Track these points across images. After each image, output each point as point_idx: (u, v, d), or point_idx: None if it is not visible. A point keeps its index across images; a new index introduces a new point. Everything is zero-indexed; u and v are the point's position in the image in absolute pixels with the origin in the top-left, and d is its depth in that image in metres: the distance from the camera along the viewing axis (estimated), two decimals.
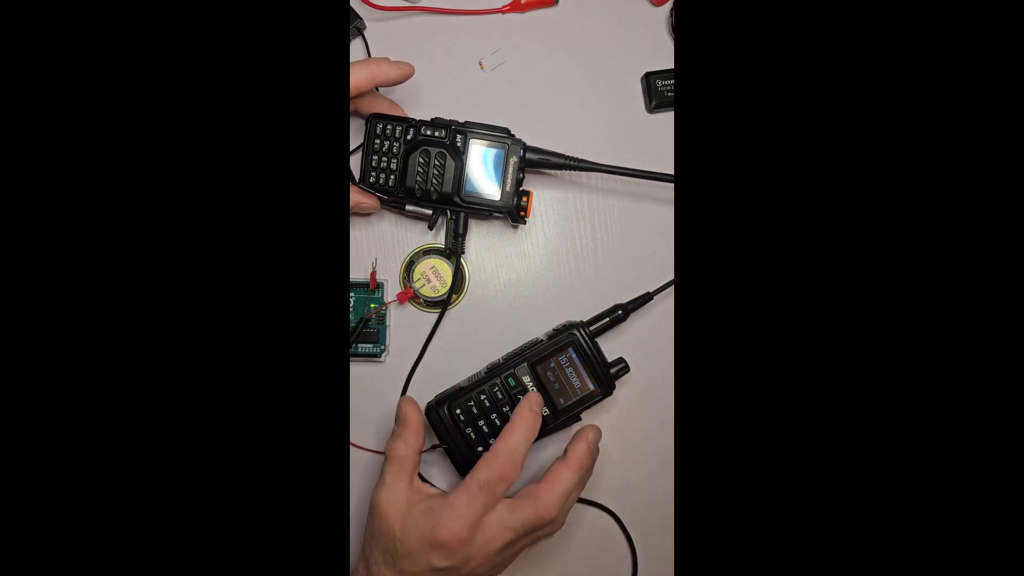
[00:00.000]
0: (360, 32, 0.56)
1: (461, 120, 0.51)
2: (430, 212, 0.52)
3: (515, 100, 0.56)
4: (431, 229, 0.53)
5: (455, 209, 0.52)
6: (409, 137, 0.51)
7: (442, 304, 0.54)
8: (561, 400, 0.50)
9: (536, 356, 0.50)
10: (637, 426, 0.55)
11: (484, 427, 0.49)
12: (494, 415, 0.49)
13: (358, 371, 0.55)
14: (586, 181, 0.56)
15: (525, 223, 0.54)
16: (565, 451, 0.48)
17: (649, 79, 0.55)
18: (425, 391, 0.52)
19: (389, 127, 0.51)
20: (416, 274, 0.54)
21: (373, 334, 0.54)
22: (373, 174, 0.51)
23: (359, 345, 0.54)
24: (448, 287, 0.54)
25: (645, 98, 0.56)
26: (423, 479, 0.49)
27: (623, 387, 0.53)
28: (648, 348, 0.55)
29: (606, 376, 0.50)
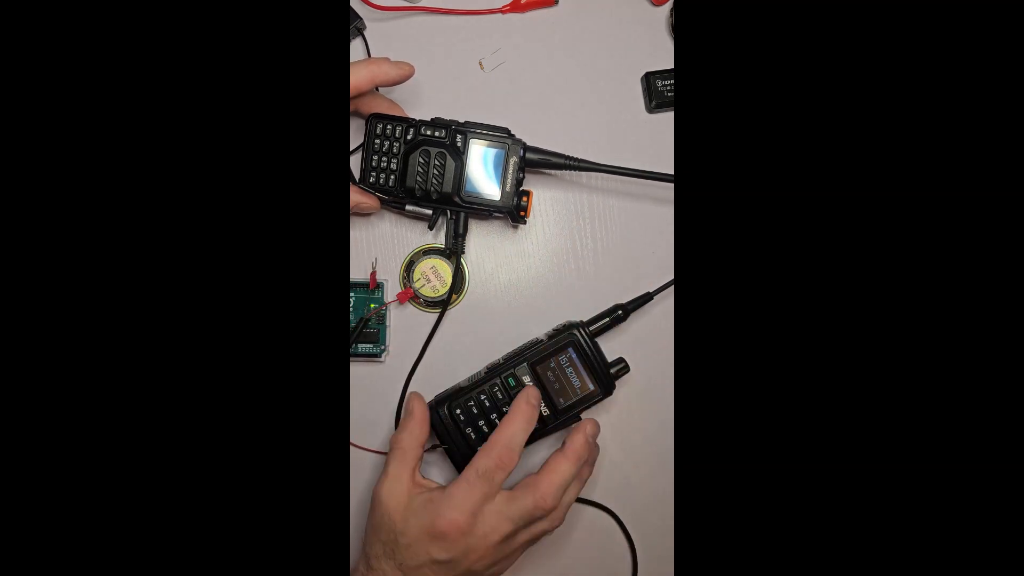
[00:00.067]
0: (360, 32, 0.56)
1: (461, 120, 0.51)
2: (430, 212, 0.52)
3: (515, 100, 0.56)
4: (431, 229, 0.53)
5: (455, 209, 0.52)
6: (409, 137, 0.51)
7: (442, 304, 0.54)
8: (561, 400, 0.50)
9: (536, 356, 0.50)
10: (637, 426, 0.55)
11: (484, 427, 0.49)
12: (494, 415, 0.49)
13: (358, 371, 0.55)
14: (586, 181, 0.56)
15: (525, 223, 0.54)
16: (563, 443, 0.48)
17: (649, 79, 0.55)
18: (425, 391, 0.52)
19: (389, 127, 0.51)
20: (416, 274, 0.54)
21: (373, 334, 0.54)
22: (373, 174, 0.51)
23: (359, 345, 0.54)
24: (448, 287, 0.54)
25: (645, 98, 0.56)
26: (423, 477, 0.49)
27: (623, 387, 0.53)
28: (648, 348, 0.55)
29: (606, 376, 0.50)
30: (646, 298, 0.53)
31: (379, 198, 0.51)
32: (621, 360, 0.51)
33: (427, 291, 0.54)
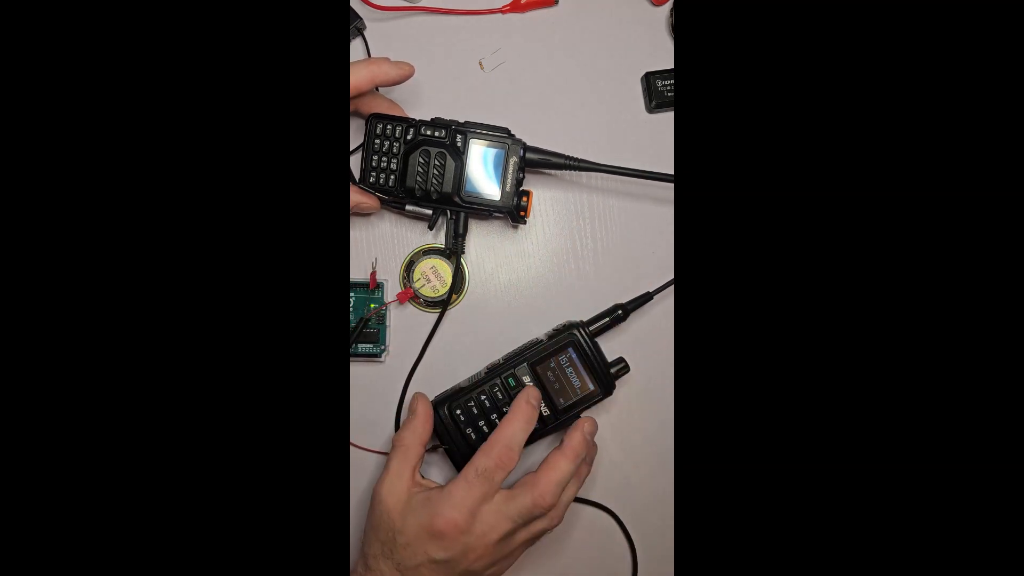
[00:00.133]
0: (360, 32, 0.56)
1: (461, 120, 0.51)
2: (430, 212, 0.52)
3: (515, 100, 0.56)
4: (431, 229, 0.53)
5: (455, 209, 0.52)
6: (409, 137, 0.51)
7: (442, 304, 0.54)
8: (561, 400, 0.50)
9: (536, 356, 0.50)
10: (637, 426, 0.55)
11: (484, 427, 0.49)
12: (494, 415, 0.49)
13: (358, 371, 0.55)
14: (586, 181, 0.56)
15: (525, 223, 0.54)
16: (561, 441, 0.48)
17: (649, 79, 0.55)
18: (425, 391, 0.52)
19: (389, 127, 0.51)
20: (416, 274, 0.54)
21: (373, 334, 0.54)
22: (373, 174, 0.51)
23: (359, 345, 0.54)
24: (448, 287, 0.54)
25: (645, 98, 0.56)
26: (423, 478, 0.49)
27: (623, 387, 0.53)
28: (648, 348, 0.55)
29: (606, 376, 0.50)
30: (646, 298, 0.53)
31: (379, 198, 0.51)
32: (621, 360, 0.51)
33: (427, 291, 0.54)
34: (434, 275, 0.54)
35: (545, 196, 0.56)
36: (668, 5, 0.57)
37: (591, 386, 0.50)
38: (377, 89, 0.53)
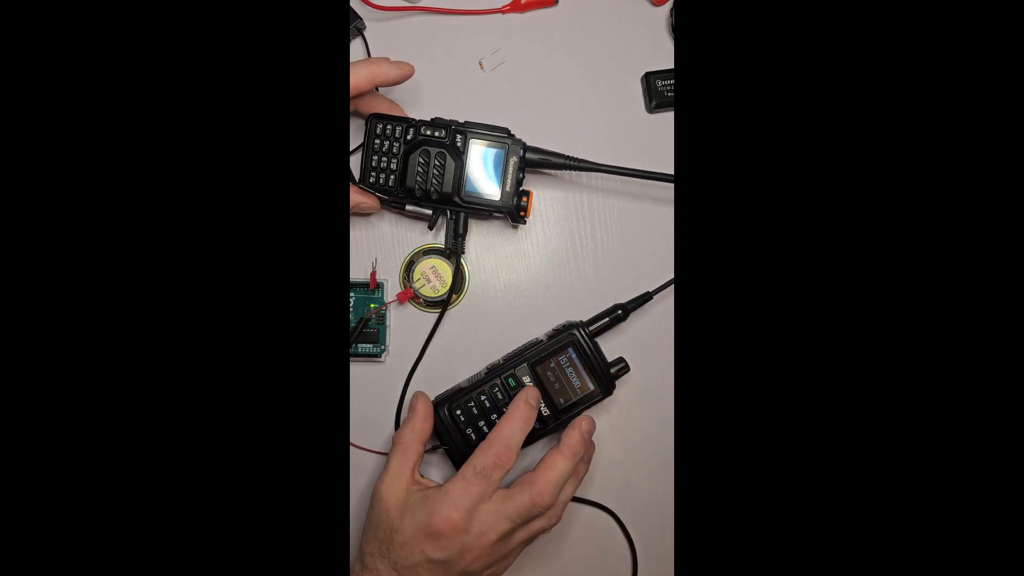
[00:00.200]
0: (360, 32, 0.56)
1: (461, 120, 0.51)
2: (430, 212, 0.52)
3: (515, 100, 0.56)
4: (431, 229, 0.53)
5: (455, 209, 0.52)
6: (409, 137, 0.51)
7: (442, 304, 0.54)
8: (561, 400, 0.50)
9: (536, 356, 0.50)
10: (637, 426, 0.55)
11: (484, 427, 0.49)
12: (494, 415, 0.49)
13: (358, 371, 0.55)
14: (586, 181, 0.56)
15: (525, 223, 0.54)
16: (559, 440, 0.48)
17: (649, 79, 0.55)
18: (425, 391, 0.52)
19: (389, 127, 0.51)
20: (416, 274, 0.54)
21: (373, 334, 0.54)
22: (373, 174, 0.51)
23: (359, 345, 0.54)
24: (448, 287, 0.54)
25: (645, 98, 0.56)
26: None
27: (623, 387, 0.53)
28: (648, 348, 0.55)
29: (606, 376, 0.50)
30: (646, 298, 0.53)
31: (379, 198, 0.51)
32: (621, 360, 0.51)
33: (427, 291, 0.54)
34: (434, 275, 0.54)
35: (545, 196, 0.56)
36: (668, 5, 0.57)
37: (591, 386, 0.50)
38: (377, 89, 0.53)
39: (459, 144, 0.51)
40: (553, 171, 0.55)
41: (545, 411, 0.49)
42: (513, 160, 0.51)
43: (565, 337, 0.50)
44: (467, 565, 0.44)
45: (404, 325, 0.55)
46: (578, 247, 0.56)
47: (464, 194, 0.51)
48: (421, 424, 0.49)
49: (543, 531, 0.47)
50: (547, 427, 0.50)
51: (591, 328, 0.51)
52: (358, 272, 0.55)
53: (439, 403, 0.50)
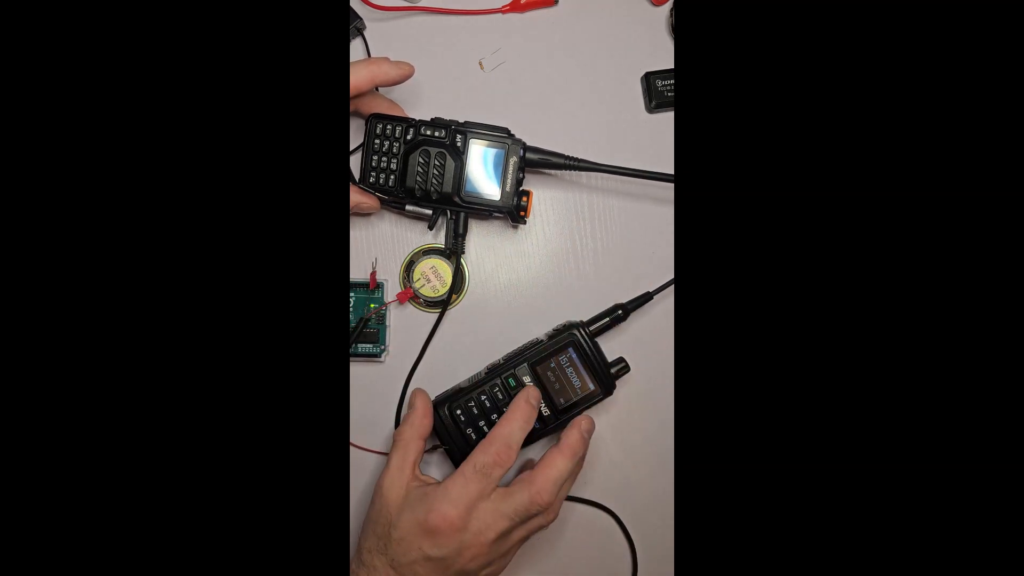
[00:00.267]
0: (360, 32, 0.56)
1: (461, 120, 0.51)
2: (430, 212, 0.52)
3: (515, 100, 0.56)
4: (431, 229, 0.53)
5: (455, 209, 0.52)
6: (409, 137, 0.51)
7: (442, 304, 0.54)
8: (561, 400, 0.50)
9: (536, 356, 0.50)
10: (637, 426, 0.55)
11: (485, 427, 0.49)
12: (495, 415, 0.49)
13: (358, 371, 0.55)
14: (586, 181, 0.56)
15: (525, 223, 0.54)
16: (559, 439, 0.48)
17: (649, 79, 0.55)
18: (425, 390, 0.52)
19: (389, 127, 0.51)
20: (416, 274, 0.54)
21: (373, 334, 0.54)
22: (373, 174, 0.51)
23: (359, 345, 0.54)
24: (448, 287, 0.54)
25: (645, 98, 0.56)
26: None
27: (623, 387, 0.53)
28: (648, 348, 0.55)
29: (606, 376, 0.50)
30: (646, 298, 0.53)
31: (379, 198, 0.51)
32: (621, 360, 0.51)
33: (427, 291, 0.54)
34: (434, 275, 0.54)
35: (545, 196, 0.56)
36: (668, 5, 0.57)
37: (591, 386, 0.50)
38: (377, 89, 0.53)
39: (459, 144, 0.51)
40: (553, 171, 0.55)
41: (545, 411, 0.49)
42: (513, 160, 0.51)
43: (566, 337, 0.50)
44: (464, 564, 0.44)
45: (404, 325, 0.55)
46: (578, 247, 0.56)
47: (464, 194, 0.51)
48: (420, 420, 0.49)
49: (541, 528, 0.47)
50: (547, 427, 0.50)
51: (591, 328, 0.51)
52: (358, 272, 0.55)
53: (439, 403, 0.50)
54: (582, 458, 0.49)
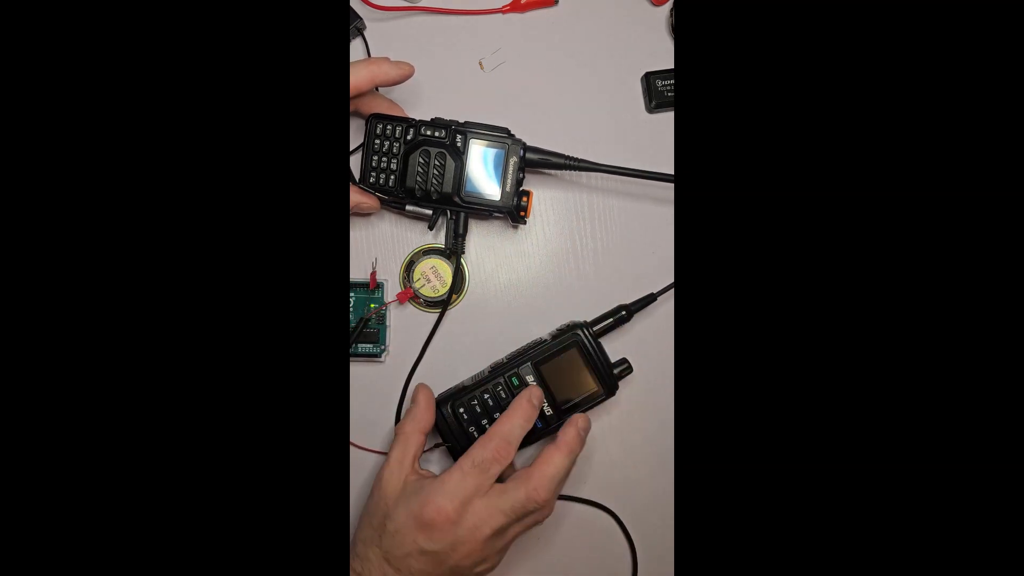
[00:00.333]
0: (360, 32, 0.56)
1: (461, 120, 0.51)
2: (430, 212, 0.52)
3: (515, 100, 0.56)
4: (431, 229, 0.53)
5: (455, 209, 0.52)
6: (409, 137, 0.51)
7: (442, 304, 0.54)
8: (564, 399, 0.50)
9: (540, 355, 0.50)
10: (637, 426, 0.55)
11: (487, 426, 0.49)
12: (497, 414, 0.49)
13: (358, 371, 0.55)
14: (586, 181, 0.56)
15: (525, 223, 0.54)
16: (555, 436, 0.48)
17: (649, 79, 0.55)
18: (429, 386, 0.52)
19: (389, 127, 0.51)
20: (416, 274, 0.54)
21: (373, 334, 0.54)
22: (373, 174, 0.51)
23: (359, 345, 0.54)
24: (448, 287, 0.54)
25: (645, 98, 0.56)
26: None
27: (624, 387, 0.53)
28: (650, 348, 0.55)
29: (609, 376, 0.50)
30: (650, 299, 0.53)
31: (379, 198, 0.51)
32: (624, 361, 0.51)
33: (427, 291, 0.54)
34: (434, 275, 0.54)
35: (545, 196, 0.56)
36: (668, 5, 0.57)
37: (594, 386, 0.50)
38: (377, 89, 0.53)
39: (459, 144, 0.51)
40: (553, 171, 0.55)
41: (548, 410, 0.49)
42: (513, 160, 0.51)
43: (569, 337, 0.50)
44: (459, 560, 0.44)
45: (404, 325, 0.55)
46: (578, 247, 0.56)
47: (464, 194, 0.51)
48: (422, 415, 0.49)
49: (536, 524, 0.47)
50: (549, 426, 0.50)
51: (595, 328, 0.51)
52: (358, 272, 0.55)
53: (442, 400, 0.50)
54: (578, 455, 0.49)
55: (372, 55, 0.56)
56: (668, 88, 0.55)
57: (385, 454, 0.53)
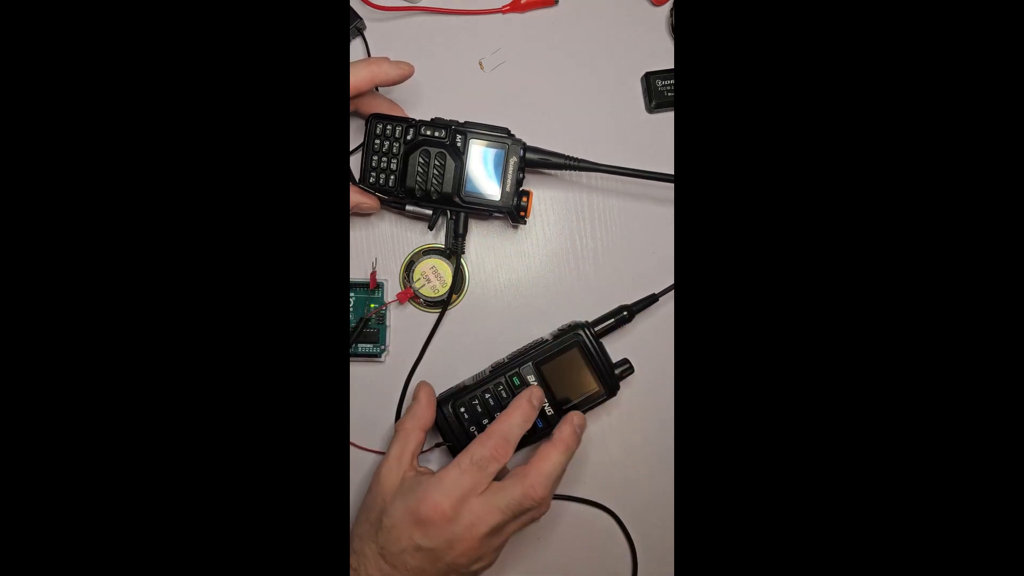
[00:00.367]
0: (360, 32, 0.56)
1: (461, 120, 0.51)
2: (430, 212, 0.52)
3: (515, 100, 0.56)
4: (431, 229, 0.53)
5: (455, 209, 0.52)
6: (409, 137, 0.51)
7: (442, 304, 0.54)
8: (565, 399, 0.50)
9: (541, 355, 0.50)
10: (637, 426, 0.55)
11: (488, 425, 0.49)
12: (498, 414, 0.49)
13: (358, 371, 0.55)
14: (586, 181, 0.56)
15: (525, 223, 0.54)
16: (551, 434, 0.48)
17: (649, 79, 0.55)
18: (430, 384, 0.52)
19: (389, 127, 0.51)
20: (416, 274, 0.54)
21: (373, 334, 0.54)
22: (373, 174, 0.51)
23: (359, 345, 0.54)
24: (448, 287, 0.54)
25: (645, 98, 0.56)
26: None
27: (624, 387, 0.53)
28: (651, 349, 0.55)
29: (611, 377, 0.50)
30: (651, 300, 0.53)
31: (379, 198, 0.51)
32: (625, 361, 0.51)
33: (427, 291, 0.54)
34: (434, 275, 0.54)
35: (545, 196, 0.56)
36: (668, 5, 0.57)
37: (595, 386, 0.50)
38: (377, 89, 0.53)
39: (459, 144, 0.51)
40: (553, 171, 0.55)
41: (549, 410, 0.49)
42: (513, 160, 0.51)
43: (571, 337, 0.50)
44: (455, 558, 0.43)
45: (404, 325, 0.55)
46: (578, 247, 0.56)
47: (464, 194, 0.51)
48: (423, 412, 0.49)
49: (533, 522, 0.47)
50: (550, 426, 0.50)
51: (596, 329, 0.51)
52: (358, 272, 0.55)
53: (443, 400, 0.50)
54: (574, 453, 0.49)
55: (372, 55, 0.56)
56: (668, 88, 0.55)
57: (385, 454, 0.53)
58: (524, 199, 0.52)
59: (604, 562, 0.55)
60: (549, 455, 0.46)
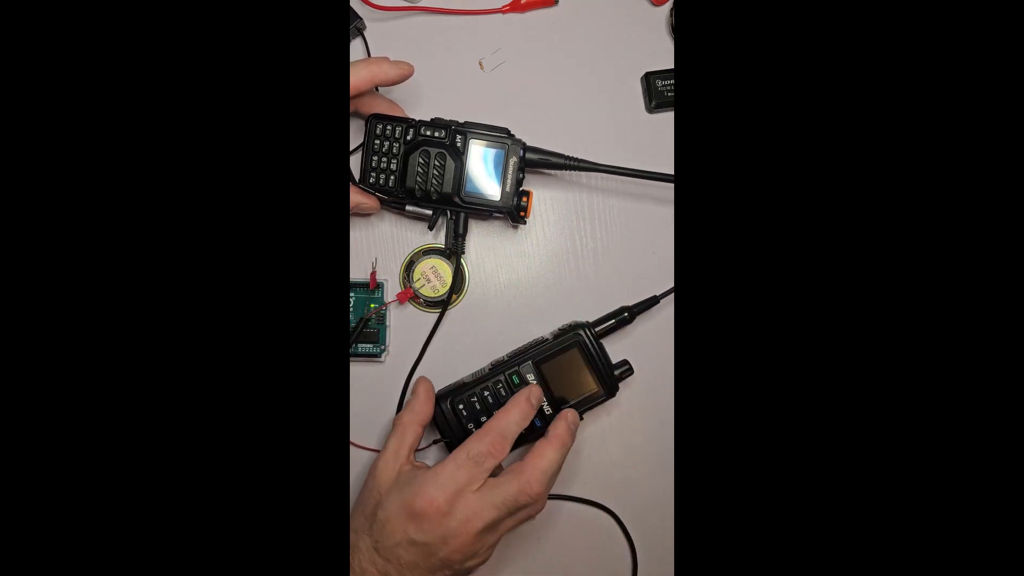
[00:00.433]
0: (360, 32, 0.56)
1: (461, 120, 0.51)
2: (430, 212, 0.52)
3: (515, 100, 0.56)
4: (431, 229, 0.53)
5: (455, 209, 0.52)
6: (409, 137, 0.51)
7: (442, 304, 0.54)
8: (564, 399, 0.50)
9: (541, 354, 0.50)
10: (637, 426, 0.55)
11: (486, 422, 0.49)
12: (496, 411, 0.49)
13: (358, 371, 0.55)
14: (586, 181, 0.56)
15: (525, 223, 0.54)
16: (546, 431, 0.48)
17: (649, 79, 0.55)
18: (430, 380, 0.52)
19: (389, 127, 0.51)
20: (416, 274, 0.54)
21: (373, 334, 0.54)
22: (373, 174, 0.51)
23: (359, 345, 0.54)
24: (448, 287, 0.54)
25: (645, 98, 0.56)
26: None
27: (624, 387, 0.53)
28: (651, 350, 0.55)
29: (610, 377, 0.50)
30: (652, 301, 0.53)
31: (379, 198, 0.51)
32: (625, 362, 0.51)
33: (427, 291, 0.54)
34: (434, 275, 0.54)
35: (545, 196, 0.56)
36: (668, 5, 0.57)
37: (595, 387, 0.50)
38: (377, 89, 0.53)
39: (459, 144, 0.51)
40: (553, 171, 0.55)
41: (548, 409, 0.49)
42: (513, 160, 0.51)
43: (571, 337, 0.50)
44: (449, 554, 0.43)
45: (404, 325, 0.55)
46: (578, 247, 0.56)
47: (464, 194, 0.51)
48: (421, 407, 0.49)
49: (528, 519, 0.47)
50: (547, 425, 0.50)
51: (597, 329, 0.51)
52: (358, 272, 0.55)
53: (442, 396, 0.50)
54: (569, 449, 0.49)
55: (372, 55, 0.56)
56: (668, 88, 0.55)
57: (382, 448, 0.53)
58: (524, 199, 0.52)
59: (604, 562, 0.55)
60: (544, 452, 0.46)
